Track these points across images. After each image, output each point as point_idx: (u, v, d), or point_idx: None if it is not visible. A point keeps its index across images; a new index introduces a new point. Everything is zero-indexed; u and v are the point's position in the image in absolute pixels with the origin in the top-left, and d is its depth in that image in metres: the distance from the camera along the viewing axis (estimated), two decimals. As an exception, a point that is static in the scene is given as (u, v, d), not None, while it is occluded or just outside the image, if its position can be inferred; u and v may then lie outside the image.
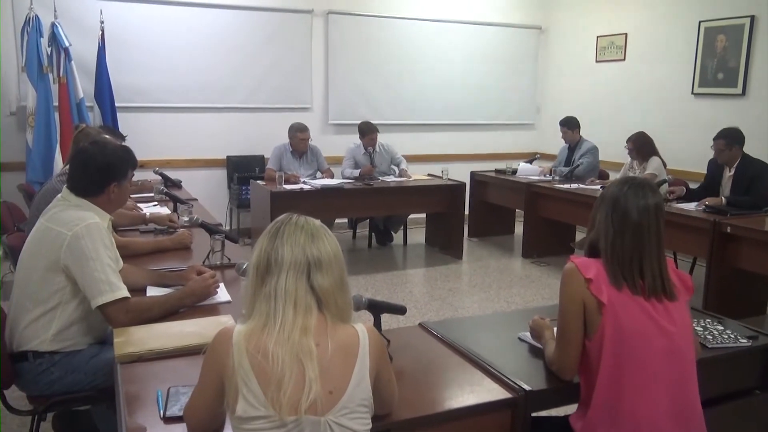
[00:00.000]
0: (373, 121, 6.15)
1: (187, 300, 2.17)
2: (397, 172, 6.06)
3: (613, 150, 6.32)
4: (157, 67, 5.93)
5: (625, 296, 1.68)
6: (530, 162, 6.46)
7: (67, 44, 5.30)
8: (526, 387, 1.71)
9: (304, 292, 1.33)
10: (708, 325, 2.18)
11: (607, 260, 1.71)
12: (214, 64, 6.16)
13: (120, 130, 5.50)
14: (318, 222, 1.42)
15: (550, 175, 6.03)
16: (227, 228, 6.20)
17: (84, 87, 5.45)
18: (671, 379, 1.66)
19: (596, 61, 7.02)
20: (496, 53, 7.45)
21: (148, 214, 3.54)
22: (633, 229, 1.70)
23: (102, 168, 2.15)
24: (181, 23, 5.98)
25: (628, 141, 5.37)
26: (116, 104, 5.61)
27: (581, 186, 5.52)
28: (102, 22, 5.51)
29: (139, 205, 3.90)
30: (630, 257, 1.69)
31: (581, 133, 6.11)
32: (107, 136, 3.02)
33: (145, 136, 5.88)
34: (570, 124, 6.06)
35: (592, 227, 1.80)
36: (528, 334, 2.05)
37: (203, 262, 2.68)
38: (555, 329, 1.87)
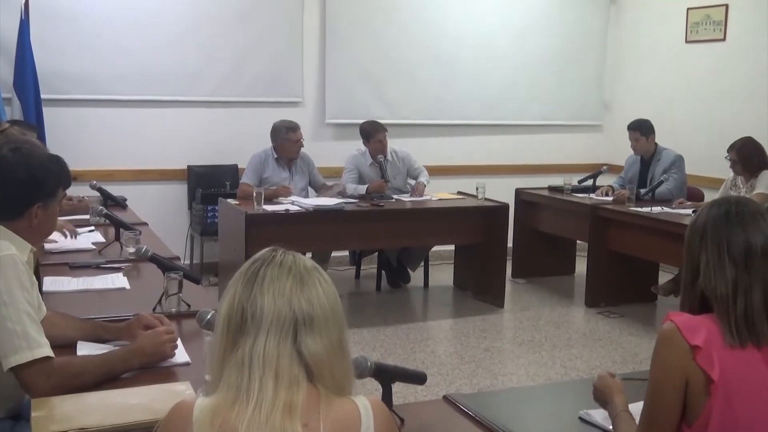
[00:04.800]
0: (385, 122, 6.19)
1: (133, 361, 2.17)
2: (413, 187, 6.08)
3: (708, 161, 6.30)
4: (98, 48, 6.00)
5: (744, 362, 1.65)
6: (595, 177, 6.45)
7: (-21, 17, 5.40)
8: (591, 486, 1.70)
9: (288, 359, 1.33)
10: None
11: (725, 307, 1.69)
12: (174, 45, 6.23)
13: (46, 129, 5.57)
14: (310, 262, 1.43)
15: (608, 195, 6.05)
16: (186, 263, 6.21)
17: (0, 73, 5.52)
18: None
19: (686, 42, 7.04)
20: (551, 31, 7.50)
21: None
22: (763, 268, 1.70)
23: (24, 184, 2.17)
24: (130, -10, 6.09)
25: (730, 149, 5.35)
26: (42, 96, 5.68)
27: (666, 210, 5.50)
28: (26, -12, 5.62)
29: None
30: (762, 309, 1.68)
31: (658, 140, 6.11)
32: (35, 141, 3.05)
33: (80, 139, 5.94)
34: (644, 129, 6.06)
35: (695, 271, 1.77)
36: (593, 413, 2.03)
37: (154, 309, 2.69)
38: (639, 404, 1.83)
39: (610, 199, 6.04)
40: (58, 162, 2.32)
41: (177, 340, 2.34)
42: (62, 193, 2.30)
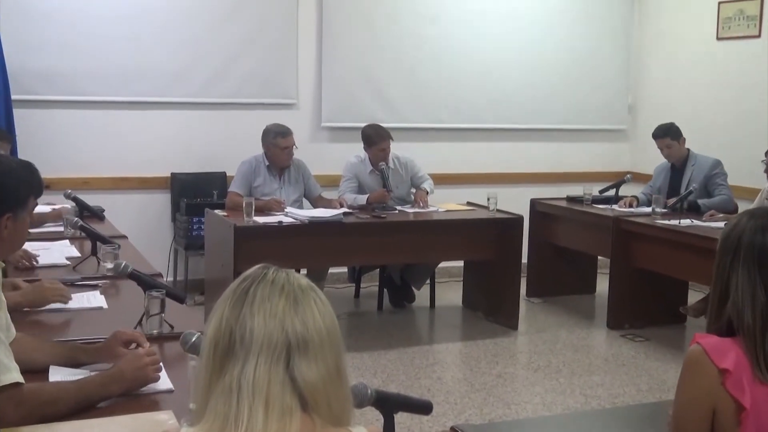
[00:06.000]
0: (386, 125, 6.20)
1: (112, 387, 2.17)
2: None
3: (742, 169, 6.30)
4: (74, 44, 6.02)
5: None
6: (617, 187, 6.46)
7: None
8: None
9: (280, 386, 1.33)
10: None
11: (752, 340, 1.69)
12: (157, 41, 6.25)
13: (17, 133, 5.57)
14: (305, 280, 1.43)
15: (632, 206, 6.07)
16: (170, 280, 6.21)
17: (-33, 72, 5.55)
18: None
19: (717, 39, 7.05)
20: (570, 28, 7.52)
21: None
22: None
23: (-8, 193, 2.18)
24: (109, -19, 6.12)
25: (766, 155, 5.36)
26: (12, 96, 5.68)
27: (696, 223, 5.51)
28: (-4, -21, 5.66)
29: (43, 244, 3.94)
30: None
31: (687, 146, 6.11)
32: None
33: (54, 144, 5.95)
34: (673, 132, 6.05)
35: (724, 293, 1.76)
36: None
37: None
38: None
39: (634, 210, 6.04)
40: (29, 169, 2.32)
41: (159, 362, 2.34)
42: (33, 202, 2.30)
